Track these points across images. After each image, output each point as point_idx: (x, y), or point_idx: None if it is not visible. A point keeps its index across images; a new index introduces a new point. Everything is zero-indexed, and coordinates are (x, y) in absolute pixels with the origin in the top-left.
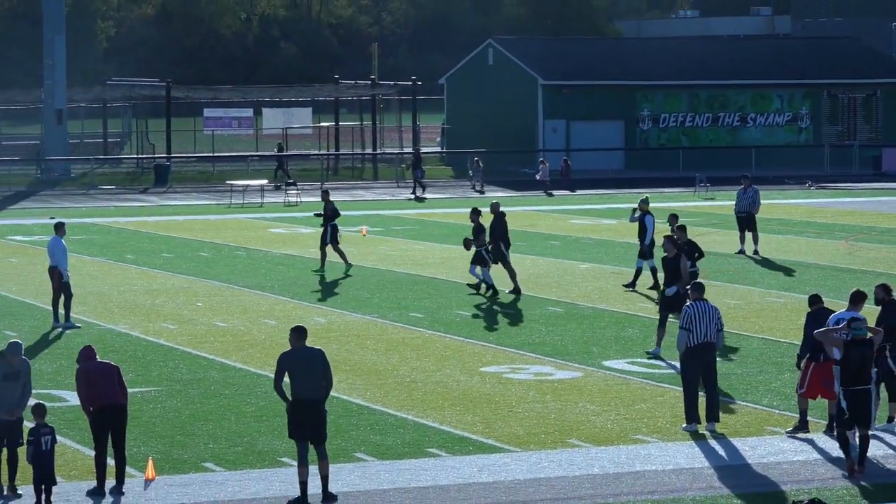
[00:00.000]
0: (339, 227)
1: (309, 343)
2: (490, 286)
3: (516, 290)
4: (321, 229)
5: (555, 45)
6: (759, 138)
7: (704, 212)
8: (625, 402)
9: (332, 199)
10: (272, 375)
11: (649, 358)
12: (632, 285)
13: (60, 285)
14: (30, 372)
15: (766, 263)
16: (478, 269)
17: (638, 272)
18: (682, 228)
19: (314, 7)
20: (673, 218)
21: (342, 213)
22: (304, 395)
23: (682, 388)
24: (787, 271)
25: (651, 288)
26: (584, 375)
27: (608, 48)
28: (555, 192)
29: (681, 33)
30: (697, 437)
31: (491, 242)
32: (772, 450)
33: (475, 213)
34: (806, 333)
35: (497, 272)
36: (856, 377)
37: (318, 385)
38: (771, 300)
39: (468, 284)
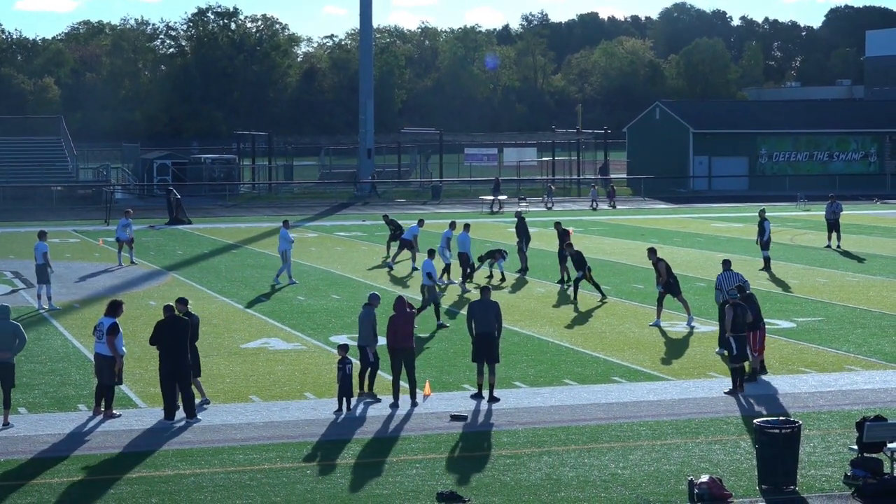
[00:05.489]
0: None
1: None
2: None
3: (523, 270)
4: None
5: (701, 105)
6: (841, 169)
7: (803, 219)
8: None
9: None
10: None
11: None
12: (766, 269)
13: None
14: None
15: (846, 254)
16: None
17: (766, 260)
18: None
19: (539, 80)
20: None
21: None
22: (481, 330)
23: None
24: (860, 259)
25: (762, 269)
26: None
27: (738, 107)
28: (598, 209)
29: (787, 97)
30: (798, 372)
31: (518, 238)
32: (848, 381)
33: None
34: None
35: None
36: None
37: (492, 324)
38: (848, 279)
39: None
